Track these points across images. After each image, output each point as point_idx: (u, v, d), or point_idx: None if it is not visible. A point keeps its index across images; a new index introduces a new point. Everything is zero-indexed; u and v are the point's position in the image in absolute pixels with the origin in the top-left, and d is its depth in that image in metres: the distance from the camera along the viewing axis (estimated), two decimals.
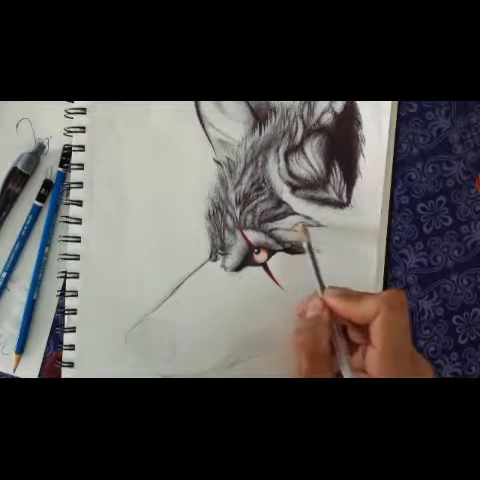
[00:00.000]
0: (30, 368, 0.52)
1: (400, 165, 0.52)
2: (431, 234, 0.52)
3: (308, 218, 0.50)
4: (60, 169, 0.52)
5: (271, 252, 0.50)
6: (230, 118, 0.51)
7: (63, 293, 0.51)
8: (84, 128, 0.51)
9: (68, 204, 0.51)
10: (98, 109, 0.51)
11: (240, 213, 0.50)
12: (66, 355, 0.50)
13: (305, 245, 0.46)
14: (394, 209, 0.52)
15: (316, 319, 0.43)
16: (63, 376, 0.50)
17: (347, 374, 0.41)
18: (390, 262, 0.52)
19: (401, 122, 0.52)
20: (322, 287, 0.45)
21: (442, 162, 0.52)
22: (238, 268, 0.50)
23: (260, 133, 0.50)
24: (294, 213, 0.50)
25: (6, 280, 0.52)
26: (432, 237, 0.52)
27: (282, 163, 0.50)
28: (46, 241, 0.51)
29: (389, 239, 0.52)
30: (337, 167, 0.50)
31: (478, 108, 0.52)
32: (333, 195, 0.50)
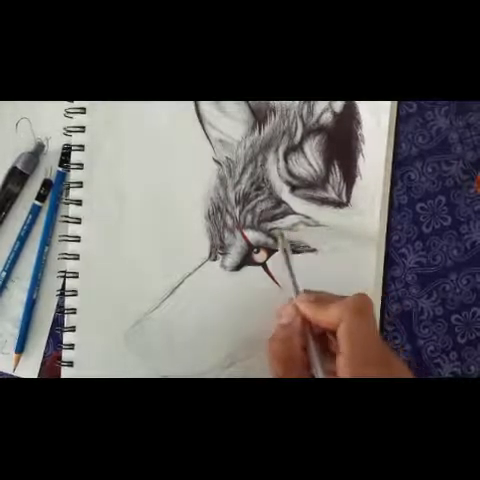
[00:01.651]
0: (30, 368, 0.52)
1: (399, 165, 0.52)
2: (430, 234, 0.52)
3: (307, 217, 0.50)
4: (60, 169, 0.52)
5: (270, 252, 0.50)
6: (230, 118, 0.51)
7: (63, 293, 0.51)
8: (84, 128, 0.51)
9: (68, 204, 0.51)
10: (98, 109, 0.51)
11: (239, 213, 0.50)
12: (66, 354, 0.51)
13: (280, 250, 0.46)
14: (393, 209, 0.52)
15: (289, 327, 0.43)
16: (63, 375, 0.50)
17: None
18: (389, 262, 0.52)
19: (401, 122, 0.52)
20: (297, 291, 0.45)
21: (441, 162, 0.52)
22: (237, 268, 0.50)
23: (259, 133, 0.50)
24: (293, 213, 0.50)
25: (6, 280, 0.52)
26: (431, 237, 0.52)
27: (281, 163, 0.50)
28: (46, 241, 0.51)
29: (388, 239, 0.52)
30: (336, 167, 0.50)
31: (477, 108, 0.52)
32: (332, 195, 0.50)
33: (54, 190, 0.52)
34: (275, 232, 0.48)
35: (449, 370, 0.52)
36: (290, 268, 0.45)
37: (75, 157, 0.51)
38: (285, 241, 0.47)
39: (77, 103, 0.51)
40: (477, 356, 0.52)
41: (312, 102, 0.50)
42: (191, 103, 0.50)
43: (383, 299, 0.52)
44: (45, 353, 0.52)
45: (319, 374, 0.41)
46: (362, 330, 0.40)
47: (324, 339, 0.43)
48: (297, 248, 0.50)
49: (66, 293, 0.51)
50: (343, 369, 0.39)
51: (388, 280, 0.52)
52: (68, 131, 0.51)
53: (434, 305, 0.52)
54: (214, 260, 0.50)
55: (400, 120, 0.52)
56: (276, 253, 0.50)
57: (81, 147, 0.51)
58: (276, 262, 0.50)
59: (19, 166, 0.51)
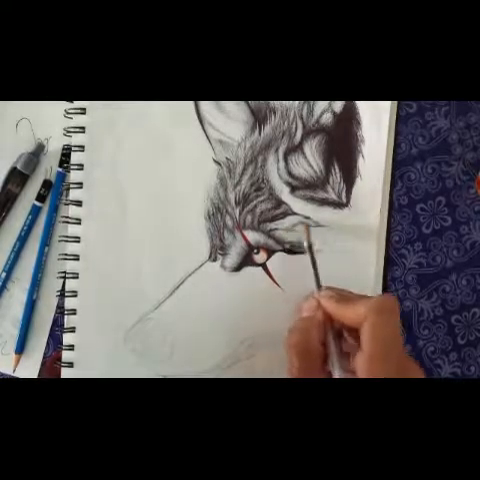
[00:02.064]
0: (30, 368, 0.52)
1: (399, 165, 0.52)
2: (430, 234, 0.52)
3: (307, 218, 0.50)
4: (60, 169, 0.52)
5: (270, 252, 0.50)
6: (229, 118, 0.51)
7: (63, 293, 0.51)
8: (83, 128, 0.51)
9: (68, 204, 0.51)
10: (98, 109, 0.51)
11: (239, 213, 0.50)
12: (66, 355, 0.50)
13: (306, 244, 0.46)
14: (393, 209, 0.52)
15: (309, 319, 0.43)
16: (63, 376, 0.50)
17: (337, 376, 0.41)
18: (389, 262, 0.52)
19: (400, 122, 0.52)
20: (319, 287, 0.45)
21: (441, 162, 0.52)
22: (237, 268, 0.50)
23: (259, 133, 0.50)
24: (293, 213, 0.50)
25: (6, 280, 0.52)
26: (431, 237, 0.52)
27: (281, 163, 0.50)
28: (46, 241, 0.51)
29: (388, 239, 0.52)
30: (336, 167, 0.50)
31: (477, 108, 0.52)
32: (332, 195, 0.50)
33: (54, 190, 0.52)
34: (302, 227, 0.48)
35: (449, 371, 0.52)
36: (315, 262, 0.45)
37: (75, 157, 0.51)
38: (310, 235, 0.47)
39: (77, 103, 0.51)
40: (477, 357, 0.52)
41: (312, 102, 0.50)
42: (191, 103, 0.50)
43: None
44: (45, 354, 0.52)
45: (336, 370, 0.41)
46: (386, 330, 0.40)
47: (342, 337, 0.43)
48: (297, 249, 0.50)
49: (66, 294, 0.51)
50: (362, 367, 0.39)
51: (388, 281, 0.52)
52: (68, 131, 0.51)
53: (434, 306, 0.52)
54: (214, 261, 0.50)
55: (400, 120, 0.52)
56: (276, 254, 0.50)
57: (81, 147, 0.51)
58: (276, 262, 0.50)
59: (19, 166, 0.51)
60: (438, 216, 0.52)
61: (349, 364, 0.41)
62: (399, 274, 0.52)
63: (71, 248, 0.51)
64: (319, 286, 0.45)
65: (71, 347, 0.50)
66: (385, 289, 0.52)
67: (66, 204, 0.51)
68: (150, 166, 0.51)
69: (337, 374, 0.41)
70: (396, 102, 0.51)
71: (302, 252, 0.49)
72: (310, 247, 0.46)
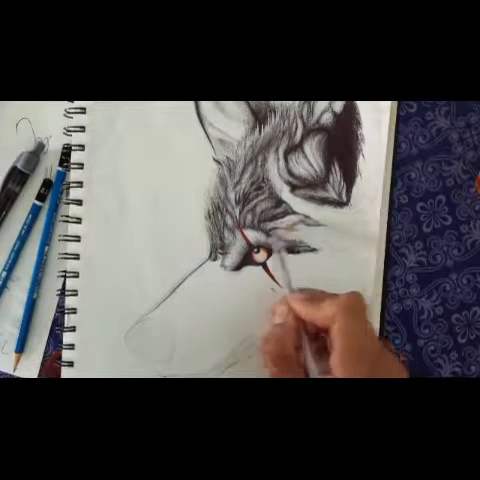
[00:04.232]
0: (30, 367, 0.52)
1: (400, 164, 0.52)
2: (431, 233, 0.52)
3: (308, 217, 0.50)
4: (60, 168, 0.52)
5: (271, 252, 0.50)
6: (230, 117, 0.51)
7: (63, 292, 0.51)
8: (84, 128, 0.51)
9: (68, 203, 0.51)
10: (98, 109, 0.50)
11: (240, 212, 0.50)
12: (66, 354, 0.50)
13: (275, 250, 0.46)
14: (394, 208, 0.52)
15: (282, 326, 0.43)
16: (63, 376, 0.50)
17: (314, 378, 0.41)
18: (390, 261, 0.52)
19: (401, 122, 0.52)
20: (291, 289, 0.45)
21: (442, 161, 0.52)
22: (238, 267, 0.50)
23: (260, 132, 0.50)
24: (294, 212, 0.50)
25: (6, 279, 0.52)
26: (432, 236, 0.52)
27: (282, 162, 0.50)
28: (46, 240, 0.51)
29: (389, 238, 0.52)
30: (337, 166, 0.50)
31: (478, 108, 0.52)
32: (333, 194, 0.50)
33: (54, 190, 0.52)
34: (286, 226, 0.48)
35: (449, 370, 0.52)
36: (284, 265, 0.45)
37: (75, 157, 0.51)
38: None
39: (77, 103, 0.51)
40: (477, 356, 0.52)
41: (312, 102, 0.50)
42: (191, 103, 0.50)
43: (383, 299, 0.52)
44: (45, 353, 0.52)
45: (314, 373, 0.41)
46: (355, 328, 0.40)
47: (319, 338, 0.43)
48: (297, 248, 0.50)
49: (66, 293, 0.51)
50: (336, 367, 0.39)
51: (388, 280, 0.52)
52: (68, 131, 0.51)
53: (434, 305, 0.52)
54: (214, 260, 0.50)
55: (400, 120, 0.52)
56: (274, 253, 0.50)
57: (81, 147, 0.51)
58: (276, 262, 0.50)
59: (19, 166, 0.51)
60: (438, 215, 0.52)
61: (327, 364, 0.41)
62: (399, 273, 0.52)
63: (71, 247, 0.51)
64: (291, 289, 0.45)
65: (71, 346, 0.50)
66: (385, 288, 0.52)
67: (66, 203, 0.51)
68: (150, 165, 0.51)
69: (313, 375, 0.41)
70: (396, 102, 0.51)
71: (301, 251, 0.49)
72: (279, 251, 0.46)
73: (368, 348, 0.40)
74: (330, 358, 0.39)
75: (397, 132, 0.52)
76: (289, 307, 0.43)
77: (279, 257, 0.46)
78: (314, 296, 0.43)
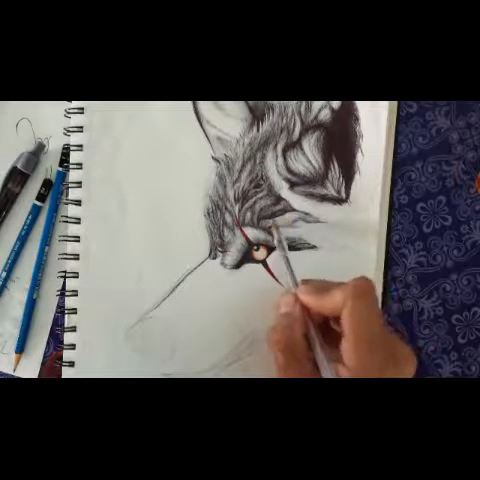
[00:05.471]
0: (30, 368, 0.52)
1: (400, 165, 0.52)
2: (431, 233, 0.52)
3: (307, 214, 0.50)
4: (60, 168, 0.52)
5: (270, 249, 0.50)
6: (228, 115, 0.51)
7: (63, 293, 0.51)
8: (82, 128, 0.51)
9: (67, 204, 0.51)
10: (96, 109, 0.51)
11: (239, 210, 0.50)
12: (66, 354, 0.50)
13: (276, 242, 0.46)
14: (394, 208, 0.52)
15: (288, 315, 0.43)
16: (63, 376, 0.50)
17: (323, 367, 0.41)
18: (390, 261, 0.52)
19: (401, 122, 0.52)
20: (295, 283, 0.45)
21: (442, 162, 0.52)
22: (237, 265, 0.50)
23: (258, 130, 0.50)
24: (293, 209, 0.50)
25: (6, 280, 0.52)
26: (432, 236, 0.52)
27: (280, 160, 0.50)
28: (46, 241, 0.51)
29: (389, 238, 0.52)
30: (335, 163, 0.50)
31: (478, 108, 0.52)
32: (332, 191, 0.50)
33: (54, 190, 0.52)
34: (269, 222, 0.48)
35: (449, 370, 0.52)
36: (287, 259, 0.46)
37: (74, 157, 0.51)
38: (280, 232, 0.47)
39: (75, 103, 0.51)
40: (478, 356, 0.52)
41: None
42: (189, 101, 0.50)
43: (383, 299, 0.52)
44: (45, 353, 0.52)
45: (323, 362, 0.41)
46: (365, 313, 0.40)
47: (326, 327, 0.43)
48: (297, 245, 0.50)
49: (66, 293, 0.51)
50: (348, 353, 0.39)
51: (389, 280, 0.52)
52: (67, 131, 0.51)
53: (434, 305, 0.52)
54: (214, 258, 0.50)
55: (400, 120, 0.52)
56: (276, 250, 0.50)
57: (80, 147, 0.51)
58: (276, 259, 0.50)
59: (19, 166, 0.51)
60: (438, 215, 0.52)
61: (335, 353, 0.41)
62: (399, 273, 0.52)
63: (71, 247, 0.51)
64: (295, 282, 0.45)
65: (72, 346, 0.50)
66: (385, 288, 0.52)
67: (66, 203, 0.51)
68: (149, 164, 0.51)
69: (322, 364, 0.41)
70: (396, 102, 0.51)
71: (301, 248, 0.49)
72: (280, 243, 0.46)
73: (378, 332, 0.40)
74: (341, 344, 0.39)
75: (397, 132, 0.52)
76: (295, 298, 0.43)
77: (283, 257, 0.46)
78: (321, 285, 0.43)
